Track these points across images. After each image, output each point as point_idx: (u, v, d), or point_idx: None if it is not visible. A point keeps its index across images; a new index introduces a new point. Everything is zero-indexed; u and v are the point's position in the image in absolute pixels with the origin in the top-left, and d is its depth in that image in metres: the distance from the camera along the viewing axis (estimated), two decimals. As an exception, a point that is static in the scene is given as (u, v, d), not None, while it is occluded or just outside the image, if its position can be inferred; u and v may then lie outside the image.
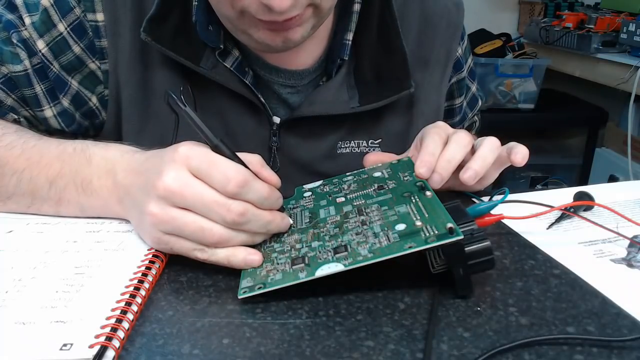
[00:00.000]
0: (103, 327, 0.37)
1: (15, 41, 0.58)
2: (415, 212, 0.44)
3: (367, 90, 0.65)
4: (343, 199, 0.50)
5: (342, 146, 0.69)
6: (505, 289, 0.44)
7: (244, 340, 0.37)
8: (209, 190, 0.42)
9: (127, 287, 0.41)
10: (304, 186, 0.56)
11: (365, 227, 0.44)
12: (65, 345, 0.35)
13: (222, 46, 0.61)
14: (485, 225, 0.45)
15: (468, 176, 0.51)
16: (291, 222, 0.48)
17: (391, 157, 0.58)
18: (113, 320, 0.37)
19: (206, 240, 0.43)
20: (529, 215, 0.51)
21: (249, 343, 0.37)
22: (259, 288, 0.41)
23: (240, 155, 0.45)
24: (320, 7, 0.53)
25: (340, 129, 0.68)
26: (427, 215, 0.43)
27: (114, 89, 0.62)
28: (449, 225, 0.40)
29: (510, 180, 2.04)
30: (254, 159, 0.46)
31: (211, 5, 0.56)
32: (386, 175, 0.52)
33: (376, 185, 0.51)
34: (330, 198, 0.51)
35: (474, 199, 0.61)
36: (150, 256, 0.46)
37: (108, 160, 0.49)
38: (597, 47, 1.76)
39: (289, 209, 0.51)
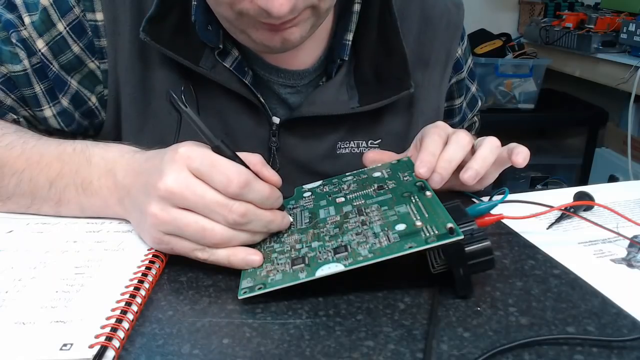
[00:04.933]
0: (103, 327, 0.37)
1: (14, 41, 0.58)
2: (415, 212, 0.44)
3: (367, 90, 0.65)
4: (343, 199, 0.50)
5: (342, 146, 0.69)
6: (505, 289, 0.44)
7: (244, 340, 0.37)
8: (211, 191, 0.42)
9: (127, 287, 0.41)
10: (304, 186, 0.56)
11: (365, 227, 0.44)
12: (65, 345, 0.35)
13: (221, 46, 0.61)
14: (485, 225, 0.45)
15: (468, 176, 0.51)
16: (291, 220, 0.48)
17: (391, 156, 0.58)
18: (113, 320, 0.37)
19: (207, 240, 0.43)
20: (529, 215, 0.51)
21: (249, 343, 0.37)
22: (259, 288, 0.41)
23: (240, 155, 0.45)
24: (319, 7, 0.54)
25: (340, 129, 0.68)
26: (427, 215, 0.43)
27: (114, 88, 0.62)
28: (449, 225, 0.40)
29: (510, 180, 2.04)
30: (254, 159, 0.46)
31: (209, 6, 0.56)
32: (386, 175, 0.52)
33: (376, 185, 0.51)
34: (330, 198, 0.51)
35: (474, 199, 0.61)
36: (150, 256, 0.46)
37: (108, 160, 0.49)
38: (597, 47, 1.76)
39: (289, 209, 0.51)
